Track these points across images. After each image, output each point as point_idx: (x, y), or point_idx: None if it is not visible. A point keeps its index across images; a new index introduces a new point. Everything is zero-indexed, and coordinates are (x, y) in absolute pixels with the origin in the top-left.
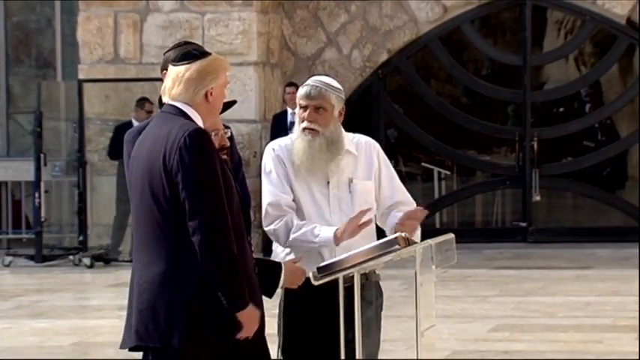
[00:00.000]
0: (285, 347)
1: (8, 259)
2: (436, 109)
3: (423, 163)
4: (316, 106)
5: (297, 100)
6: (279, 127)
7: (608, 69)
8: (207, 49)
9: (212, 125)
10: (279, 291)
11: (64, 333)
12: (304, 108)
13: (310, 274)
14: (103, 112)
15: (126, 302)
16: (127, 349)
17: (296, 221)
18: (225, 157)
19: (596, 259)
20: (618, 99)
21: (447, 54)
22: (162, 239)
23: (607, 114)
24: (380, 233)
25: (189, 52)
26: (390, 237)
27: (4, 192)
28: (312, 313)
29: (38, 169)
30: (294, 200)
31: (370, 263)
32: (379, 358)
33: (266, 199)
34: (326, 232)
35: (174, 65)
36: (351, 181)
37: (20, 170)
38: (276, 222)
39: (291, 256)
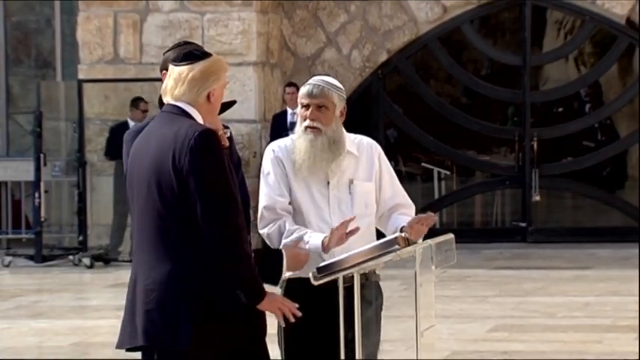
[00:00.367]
0: (285, 347)
1: (8, 259)
2: (436, 109)
3: (422, 163)
4: (318, 104)
5: (298, 100)
6: (279, 127)
7: (607, 69)
8: (206, 49)
9: (211, 125)
10: (279, 290)
11: (64, 333)
12: (306, 107)
13: (310, 274)
14: (102, 112)
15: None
16: (124, 350)
17: (288, 226)
18: None
19: (596, 260)
20: (618, 99)
21: (447, 54)
22: (169, 239)
23: (607, 114)
24: (379, 234)
25: (191, 53)
26: (389, 237)
27: (4, 192)
28: (312, 313)
29: (38, 169)
30: (290, 203)
31: (370, 263)
32: (379, 358)
33: (262, 202)
34: (315, 240)
35: (176, 65)
36: (351, 182)
37: (20, 170)
38: (270, 225)
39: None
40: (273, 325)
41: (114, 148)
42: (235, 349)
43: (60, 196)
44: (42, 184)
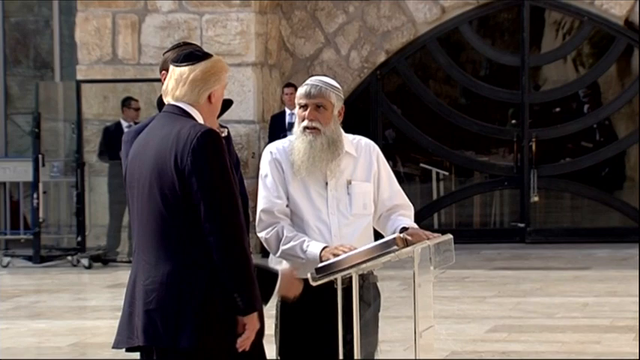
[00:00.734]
0: (282, 348)
1: (6, 259)
2: (434, 110)
3: (421, 164)
4: (317, 104)
5: (296, 100)
6: (278, 127)
7: (606, 70)
8: (205, 49)
9: (211, 126)
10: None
11: (62, 334)
12: (304, 107)
13: (309, 275)
14: (101, 112)
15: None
16: (123, 350)
17: (286, 232)
18: None
19: (595, 260)
20: (616, 100)
21: (445, 55)
22: (170, 239)
23: (605, 115)
24: (377, 234)
25: (192, 53)
26: (388, 237)
27: (3, 193)
28: (310, 313)
29: (36, 170)
30: (288, 206)
31: (369, 264)
32: (377, 358)
33: (260, 205)
34: (313, 249)
35: (177, 66)
36: (349, 182)
37: (18, 171)
38: (268, 230)
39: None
40: (270, 325)
41: (108, 150)
42: (234, 350)
43: (58, 196)
44: (40, 185)
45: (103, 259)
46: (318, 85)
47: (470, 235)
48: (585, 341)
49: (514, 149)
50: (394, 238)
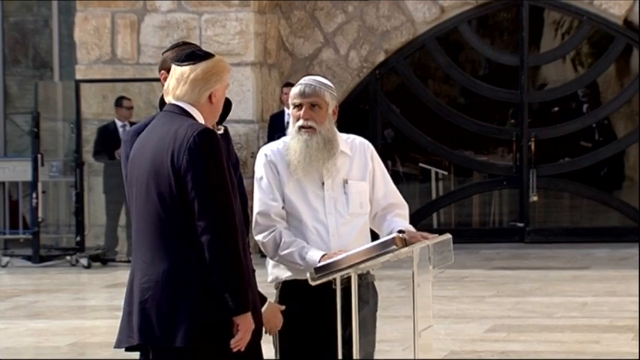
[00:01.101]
0: (280, 348)
1: (5, 259)
2: (433, 110)
3: (420, 164)
4: (311, 103)
5: (290, 100)
6: (277, 127)
7: (605, 69)
8: (204, 49)
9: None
10: (274, 291)
11: (61, 333)
12: (298, 106)
13: (308, 275)
14: (100, 112)
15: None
16: (123, 350)
17: (285, 237)
18: None
19: (594, 260)
20: (615, 99)
21: (445, 54)
22: (166, 238)
23: (604, 114)
24: (373, 234)
25: (194, 53)
26: (387, 237)
27: (2, 192)
28: (308, 314)
29: (35, 170)
30: (284, 208)
31: (368, 263)
32: (375, 358)
33: (256, 208)
34: (313, 256)
35: (178, 65)
36: (346, 181)
37: (17, 171)
38: (265, 234)
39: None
40: None
41: (102, 149)
42: (229, 350)
43: (57, 196)
44: (39, 185)
45: (102, 259)
46: (312, 85)
47: (469, 234)
48: (584, 341)
49: (513, 149)
50: (393, 238)
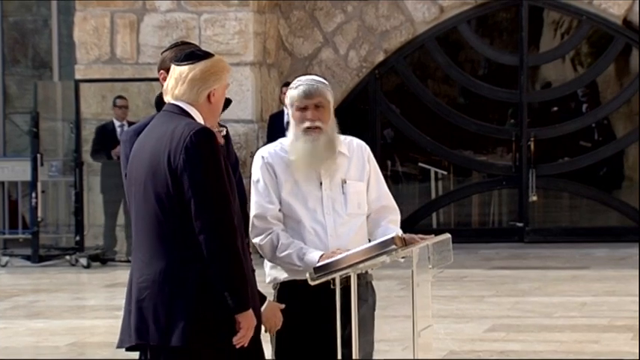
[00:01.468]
0: (278, 348)
1: (5, 259)
2: (433, 110)
3: (419, 164)
4: (316, 104)
5: (291, 102)
6: (276, 127)
7: (604, 69)
8: (203, 49)
9: (210, 126)
10: (272, 291)
11: (61, 333)
12: (303, 109)
13: (307, 275)
14: (99, 112)
15: (122, 302)
16: (123, 349)
17: (282, 239)
18: None
19: (593, 260)
20: (615, 99)
21: (444, 54)
22: (164, 237)
23: (603, 114)
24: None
25: (193, 53)
26: (386, 237)
27: (1, 192)
28: (306, 313)
29: (35, 170)
30: (281, 210)
31: (367, 263)
32: (374, 358)
33: (252, 211)
34: (311, 257)
35: (177, 65)
36: (344, 182)
37: (17, 170)
38: (262, 237)
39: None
40: None
41: (101, 149)
42: (230, 348)
43: (57, 196)
44: (39, 184)
45: (102, 259)
46: (313, 85)
47: (468, 234)
48: (583, 341)
49: (512, 149)
50: (392, 238)
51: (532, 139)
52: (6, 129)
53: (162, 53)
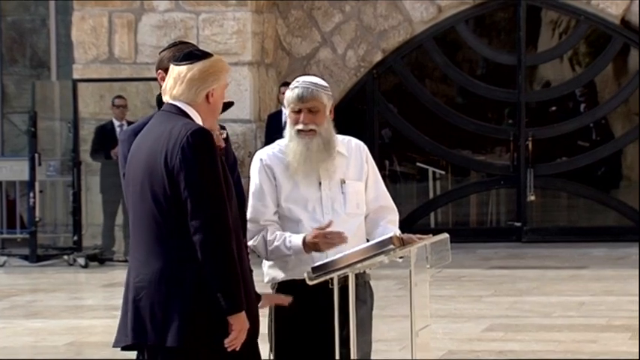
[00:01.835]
0: (276, 347)
1: (2, 258)
2: (431, 109)
3: (417, 163)
4: (310, 108)
5: (287, 103)
6: (274, 126)
7: (602, 69)
8: (201, 48)
9: (210, 126)
10: (270, 291)
11: (59, 333)
12: (297, 112)
13: (305, 274)
14: (97, 112)
15: (120, 302)
16: (120, 349)
17: (269, 236)
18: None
19: (591, 259)
20: (613, 99)
21: (442, 54)
22: (161, 237)
23: (601, 114)
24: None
25: (191, 52)
26: (384, 237)
27: None
28: (304, 313)
29: (33, 169)
30: (276, 212)
31: (365, 263)
32: (372, 358)
33: (247, 214)
34: (296, 241)
35: (176, 65)
36: (343, 181)
37: (14, 170)
38: (255, 238)
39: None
40: (264, 324)
41: (100, 149)
42: (223, 349)
43: (55, 195)
44: (37, 184)
45: (100, 259)
46: (309, 88)
47: (466, 234)
48: (581, 340)
49: (510, 148)
50: (390, 238)
51: (530, 138)
52: (4, 128)
53: (160, 53)
